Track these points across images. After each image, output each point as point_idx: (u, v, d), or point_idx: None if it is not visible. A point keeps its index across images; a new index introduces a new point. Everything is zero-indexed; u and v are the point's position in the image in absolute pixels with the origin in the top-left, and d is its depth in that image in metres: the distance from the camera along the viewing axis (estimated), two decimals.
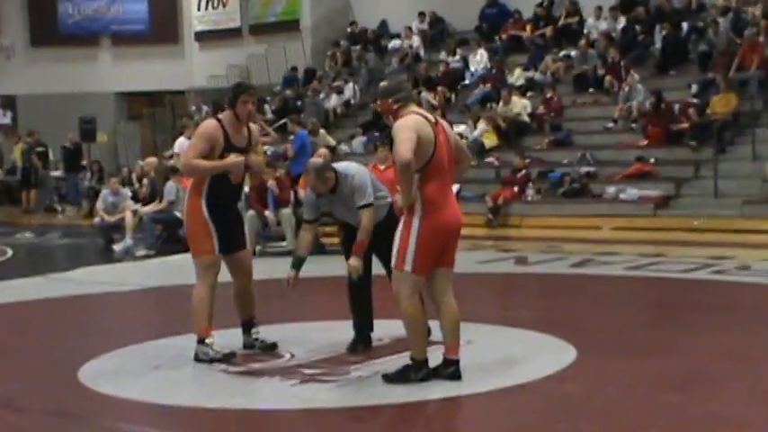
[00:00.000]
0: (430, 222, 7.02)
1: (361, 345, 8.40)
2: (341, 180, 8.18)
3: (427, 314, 7.35)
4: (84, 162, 26.92)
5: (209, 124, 8.16)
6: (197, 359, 8.02)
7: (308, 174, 8.59)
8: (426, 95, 23.48)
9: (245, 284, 8.38)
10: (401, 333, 8.40)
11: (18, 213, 26.24)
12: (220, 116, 8.21)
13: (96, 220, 18.01)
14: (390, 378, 7.22)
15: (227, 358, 7.99)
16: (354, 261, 7.90)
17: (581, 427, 6.22)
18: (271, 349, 8.29)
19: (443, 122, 7.36)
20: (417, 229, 7.01)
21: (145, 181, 18.65)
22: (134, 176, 20.93)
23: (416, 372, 7.16)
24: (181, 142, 18.71)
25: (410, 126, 6.96)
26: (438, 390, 7.05)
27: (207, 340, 8.04)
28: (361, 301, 8.44)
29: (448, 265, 7.25)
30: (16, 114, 31.06)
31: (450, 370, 7.24)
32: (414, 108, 7.24)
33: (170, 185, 16.98)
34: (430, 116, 7.22)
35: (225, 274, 8.31)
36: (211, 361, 7.97)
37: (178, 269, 14.07)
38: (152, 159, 19.43)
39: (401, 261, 7.10)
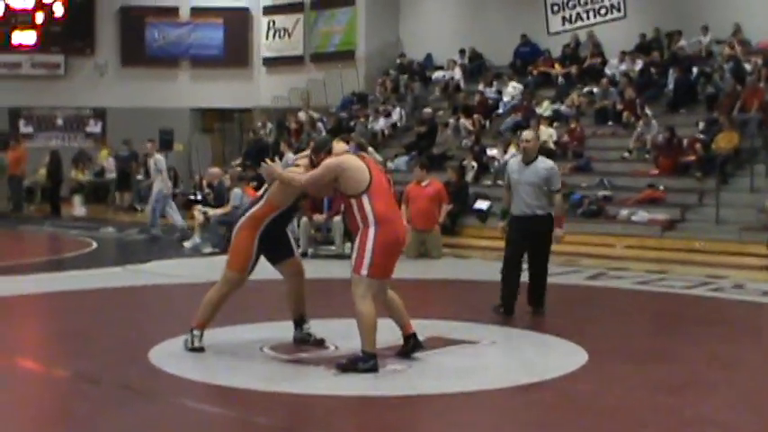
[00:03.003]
0: (382, 233, 7.30)
1: (507, 312, 9.73)
2: (540, 158, 9.90)
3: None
4: None
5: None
6: (185, 341, 8.08)
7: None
8: (464, 122, 23.48)
9: (297, 285, 8.33)
10: (436, 332, 8.44)
11: (103, 210, 26.47)
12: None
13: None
14: (342, 366, 7.34)
15: (196, 350, 8.00)
16: (559, 231, 9.89)
17: (589, 423, 6.19)
18: (319, 344, 8.28)
19: (371, 158, 7.89)
20: (373, 240, 7.29)
21: (212, 186, 18.62)
22: (204, 183, 20.96)
23: (365, 362, 7.29)
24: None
25: (328, 164, 7.50)
26: (462, 384, 7.04)
27: (195, 332, 8.06)
28: (510, 278, 9.77)
29: (387, 278, 7.56)
30: (105, 124, 31.32)
31: (412, 343, 7.67)
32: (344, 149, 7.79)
33: (236, 192, 16.95)
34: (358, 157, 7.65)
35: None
36: (190, 349, 8.00)
37: None
38: (215, 170, 19.40)
39: (359, 266, 7.32)
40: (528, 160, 9.89)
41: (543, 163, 9.95)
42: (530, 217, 9.87)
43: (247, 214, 8.11)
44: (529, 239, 9.91)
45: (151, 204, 19.37)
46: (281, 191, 7.92)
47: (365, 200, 7.37)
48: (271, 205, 7.98)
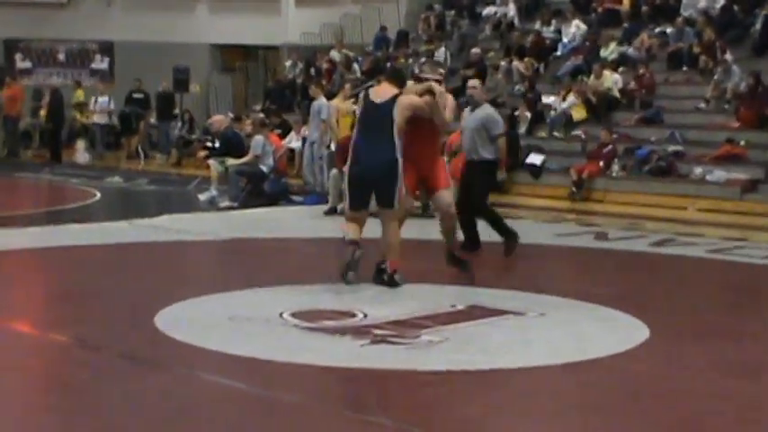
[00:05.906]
0: None
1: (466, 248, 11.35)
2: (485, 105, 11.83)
3: None
4: (177, 111, 27.23)
5: None
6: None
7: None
8: (517, 65, 23.36)
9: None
10: (477, 301, 8.49)
11: (109, 157, 26.67)
12: None
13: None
14: None
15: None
16: (500, 174, 11.88)
17: (645, 408, 6.17)
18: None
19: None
20: None
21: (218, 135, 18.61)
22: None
23: None
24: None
25: None
26: (504, 360, 7.07)
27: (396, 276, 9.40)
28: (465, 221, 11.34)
29: None
30: (113, 61, 31.43)
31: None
32: None
33: (257, 139, 16.97)
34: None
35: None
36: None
37: (258, 222, 14.19)
38: (218, 117, 19.45)
39: None
40: (474, 107, 11.82)
41: (483, 110, 11.79)
42: (467, 161, 11.84)
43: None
44: (466, 180, 11.82)
45: None
46: None
47: None
48: None
